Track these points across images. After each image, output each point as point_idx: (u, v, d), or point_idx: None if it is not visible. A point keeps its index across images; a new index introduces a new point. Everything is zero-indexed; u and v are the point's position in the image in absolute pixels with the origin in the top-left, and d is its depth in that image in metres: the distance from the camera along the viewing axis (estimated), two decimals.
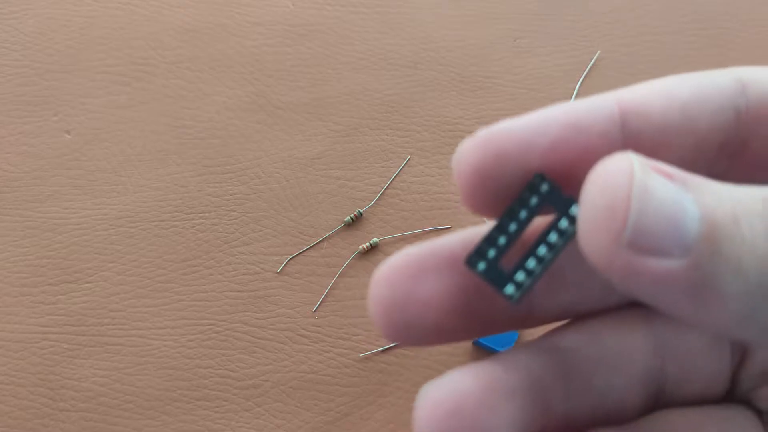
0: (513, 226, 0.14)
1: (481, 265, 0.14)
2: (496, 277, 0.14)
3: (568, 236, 0.14)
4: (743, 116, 0.14)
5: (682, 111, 0.14)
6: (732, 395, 0.16)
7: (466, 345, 0.37)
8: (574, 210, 0.14)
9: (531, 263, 0.14)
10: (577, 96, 0.45)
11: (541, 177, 0.14)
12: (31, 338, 0.38)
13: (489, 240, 0.14)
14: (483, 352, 0.37)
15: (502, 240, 0.14)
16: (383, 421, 0.36)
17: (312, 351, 0.37)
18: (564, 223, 0.14)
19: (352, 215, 0.41)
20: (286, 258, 0.40)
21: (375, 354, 0.37)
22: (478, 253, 0.14)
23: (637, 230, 0.12)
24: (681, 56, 0.46)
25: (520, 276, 0.14)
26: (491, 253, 0.14)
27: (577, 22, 0.48)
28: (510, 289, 0.14)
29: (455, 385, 0.14)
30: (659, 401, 0.16)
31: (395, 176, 0.42)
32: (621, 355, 0.15)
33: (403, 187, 0.42)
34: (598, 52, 0.46)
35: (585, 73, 0.46)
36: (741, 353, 0.16)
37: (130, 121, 0.45)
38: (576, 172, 0.14)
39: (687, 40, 0.47)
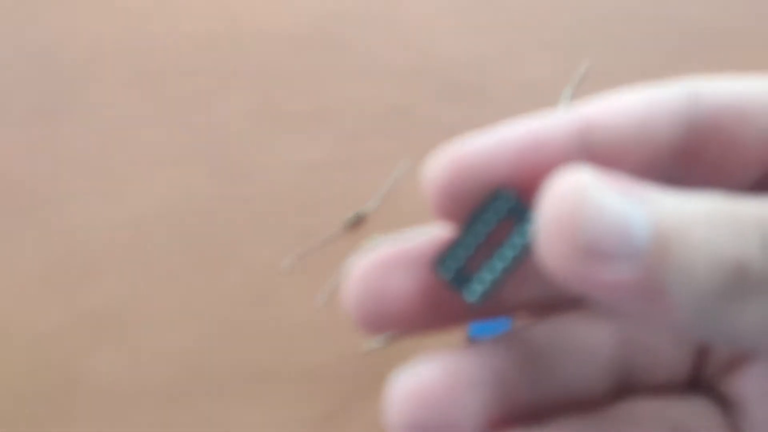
0: (475, 234, 0.15)
1: (444, 270, 0.15)
2: (459, 281, 0.15)
3: (528, 245, 0.14)
4: (697, 125, 0.15)
5: (639, 123, 0.15)
6: (698, 383, 0.17)
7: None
8: (533, 220, 0.14)
9: (492, 269, 0.14)
10: (570, 103, 0.46)
11: (503, 189, 0.14)
12: (50, 334, 0.39)
13: (452, 246, 0.15)
14: None
15: (465, 246, 0.15)
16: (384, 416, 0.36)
17: (313, 349, 0.38)
18: (524, 232, 0.14)
19: (353, 217, 0.42)
20: (289, 258, 0.41)
21: (377, 350, 0.38)
22: (441, 257, 0.15)
23: (589, 241, 0.12)
24: (671, 64, 0.47)
25: (481, 281, 0.14)
26: (454, 258, 0.15)
27: (568, 31, 0.49)
28: (471, 294, 0.14)
29: (424, 374, 0.14)
30: (626, 389, 0.17)
31: (395, 180, 0.43)
32: (586, 346, 0.16)
33: (403, 190, 0.43)
34: (589, 60, 0.47)
35: (577, 80, 0.46)
36: (705, 343, 0.17)
37: (143, 127, 0.46)
38: (538, 184, 0.14)
39: (677, 47, 0.48)
